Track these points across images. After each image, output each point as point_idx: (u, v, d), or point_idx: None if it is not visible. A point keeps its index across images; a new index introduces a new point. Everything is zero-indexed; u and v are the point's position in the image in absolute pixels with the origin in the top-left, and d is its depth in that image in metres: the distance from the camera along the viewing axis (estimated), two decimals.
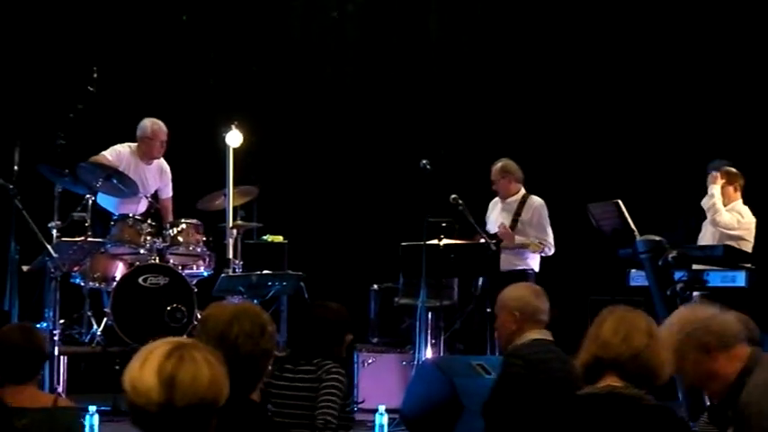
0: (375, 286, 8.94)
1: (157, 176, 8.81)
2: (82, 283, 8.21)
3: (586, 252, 9.09)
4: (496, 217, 8.76)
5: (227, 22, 10.50)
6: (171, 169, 8.89)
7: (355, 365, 8.24)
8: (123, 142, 8.72)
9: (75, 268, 8.07)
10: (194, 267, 8.51)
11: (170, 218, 8.73)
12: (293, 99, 10.53)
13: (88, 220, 7.96)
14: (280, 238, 9.24)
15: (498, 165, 8.76)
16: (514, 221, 8.62)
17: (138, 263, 8.24)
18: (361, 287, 9.04)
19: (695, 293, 7.14)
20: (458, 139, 10.47)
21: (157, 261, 8.30)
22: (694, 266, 7.30)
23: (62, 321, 7.83)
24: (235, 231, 8.53)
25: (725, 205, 8.15)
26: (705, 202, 8.20)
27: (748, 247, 8.02)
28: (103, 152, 8.55)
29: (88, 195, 8.09)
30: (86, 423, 6.37)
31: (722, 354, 3.57)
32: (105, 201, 8.53)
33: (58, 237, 7.88)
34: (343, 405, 4.83)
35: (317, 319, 5.02)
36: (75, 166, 8.07)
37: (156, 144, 8.68)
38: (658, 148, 10.13)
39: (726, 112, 10.01)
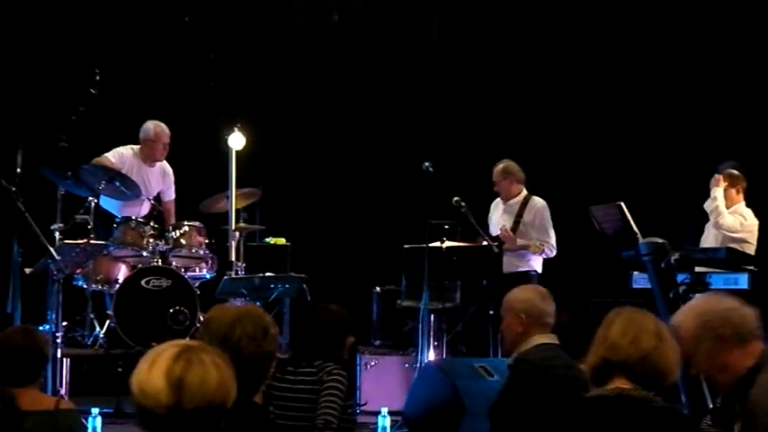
0: (378, 288, 8.92)
1: (160, 179, 8.81)
2: (84, 286, 8.21)
3: (589, 254, 9.08)
4: (498, 218, 8.75)
5: (228, 25, 10.50)
6: (174, 172, 8.91)
7: (358, 368, 8.24)
8: (126, 144, 8.73)
9: (78, 271, 8.08)
10: (197, 270, 8.52)
11: (173, 220, 8.74)
12: (295, 101, 10.53)
13: (91, 223, 7.94)
14: (282, 241, 9.23)
15: (500, 166, 8.76)
16: (516, 223, 8.62)
17: (140, 265, 8.25)
18: (363, 289, 9.02)
19: (698, 296, 7.13)
20: (460, 141, 10.46)
21: (160, 263, 8.30)
22: (697, 269, 7.27)
23: (65, 324, 7.82)
24: (237, 234, 8.53)
25: (727, 208, 8.16)
26: (708, 205, 8.20)
27: (751, 249, 8.03)
28: (106, 154, 8.56)
29: (91, 198, 8.08)
30: (89, 425, 6.37)
31: (738, 348, 3.55)
32: (108, 203, 8.54)
33: (60, 239, 7.88)
34: (344, 406, 4.82)
35: (318, 322, 5.02)
36: (77, 168, 8.07)
37: (158, 146, 8.69)
38: (661, 150, 10.12)
39: (728, 115, 10.00)
